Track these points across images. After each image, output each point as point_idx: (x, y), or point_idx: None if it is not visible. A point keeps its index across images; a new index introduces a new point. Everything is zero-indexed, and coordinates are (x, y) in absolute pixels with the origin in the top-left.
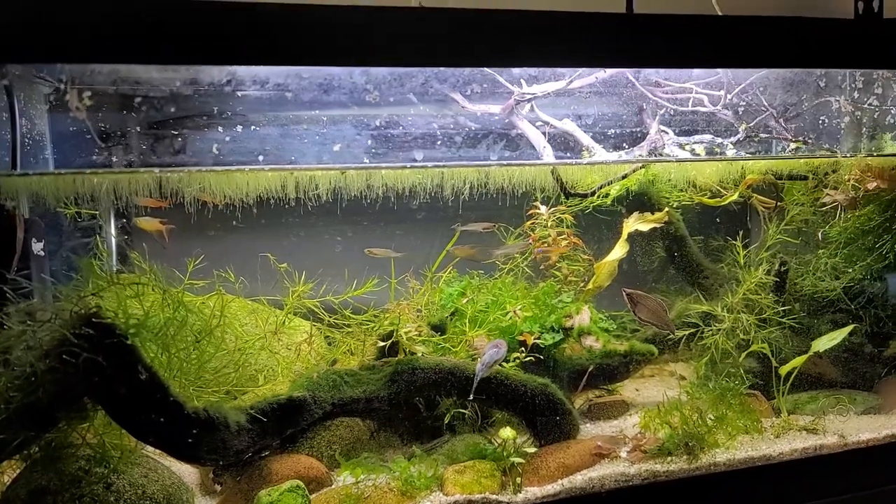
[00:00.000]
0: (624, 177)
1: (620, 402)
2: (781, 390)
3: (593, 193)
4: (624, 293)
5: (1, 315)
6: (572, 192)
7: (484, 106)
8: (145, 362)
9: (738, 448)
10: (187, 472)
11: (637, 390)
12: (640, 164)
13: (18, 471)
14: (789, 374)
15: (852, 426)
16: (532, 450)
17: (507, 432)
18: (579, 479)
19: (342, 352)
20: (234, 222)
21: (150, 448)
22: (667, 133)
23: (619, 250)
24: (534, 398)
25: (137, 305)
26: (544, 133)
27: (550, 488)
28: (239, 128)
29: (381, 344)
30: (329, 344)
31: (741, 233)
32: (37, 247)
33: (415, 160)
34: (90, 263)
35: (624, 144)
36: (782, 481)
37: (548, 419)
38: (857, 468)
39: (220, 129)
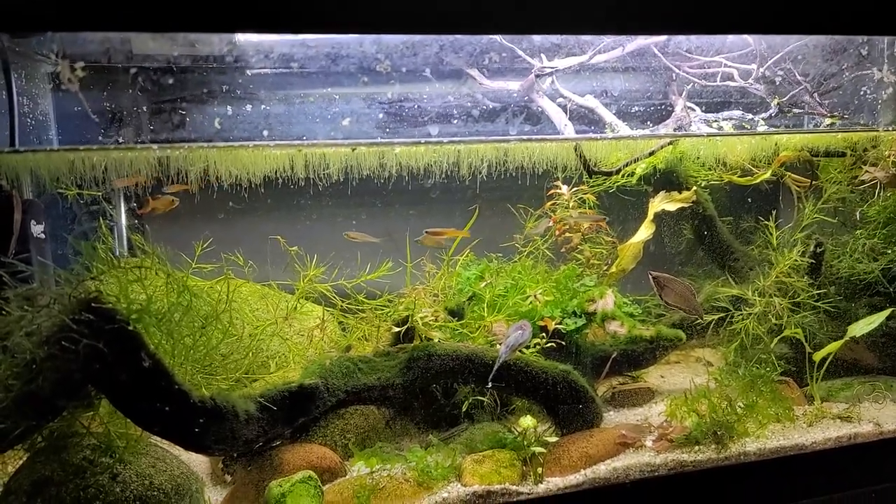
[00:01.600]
0: (651, 154)
1: (645, 389)
2: (815, 377)
3: (618, 171)
4: (650, 276)
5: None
6: (596, 170)
7: (502, 82)
8: (148, 349)
9: (769, 437)
10: (197, 462)
11: (662, 377)
12: (667, 141)
13: (22, 461)
14: (823, 360)
15: (888, 414)
16: (554, 439)
17: (527, 421)
18: (603, 469)
19: (356, 338)
20: (232, 203)
21: (157, 437)
22: (693, 110)
23: (645, 231)
24: (555, 385)
25: (141, 290)
26: (565, 109)
27: (573, 478)
28: (248, 106)
29: (396, 330)
30: (343, 330)
31: (774, 212)
32: (36, 229)
33: (429, 135)
34: (90, 246)
35: (648, 122)
36: (815, 471)
37: (570, 407)
38: (894, 457)
39: (226, 105)
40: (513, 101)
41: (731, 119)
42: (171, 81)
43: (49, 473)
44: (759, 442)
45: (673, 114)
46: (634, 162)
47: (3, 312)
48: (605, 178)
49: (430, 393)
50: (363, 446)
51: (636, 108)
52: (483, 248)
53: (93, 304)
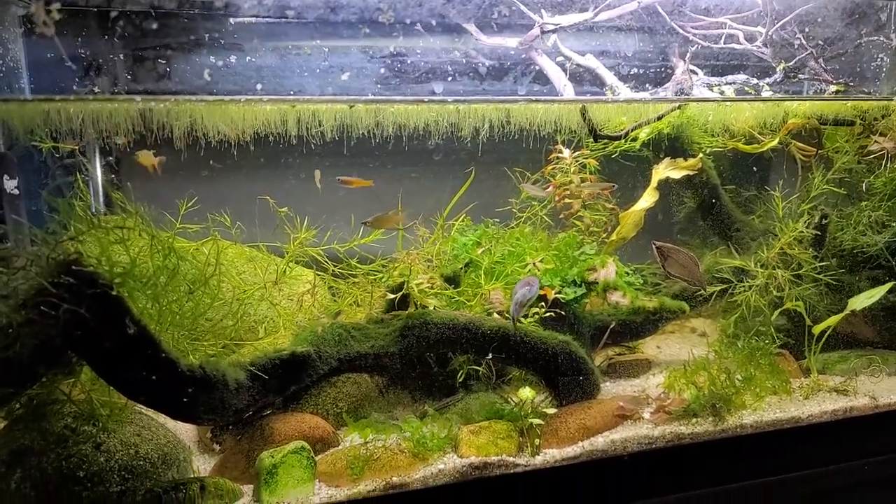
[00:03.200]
0: (659, 118)
1: (643, 360)
2: (814, 350)
3: (625, 136)
4: (654, 246)
5: None
6: (601, 133)
7: (500, 39)
8: (133, 315)
9: (765, 410)
10: (184, 430)
11: (659, 347)
12: (676, 105)
13: None
14: (822, 333)
15: (884, 387)
16: (552, 410)
17: (525, 392)
18: (601, 442)
19: (347, 303)
20: (213, 161)
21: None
22: (696, 73)
23: (648, 199)
24: (555, 356)
25: (123, 252)
26: (565, 70)
27: (570, 451)
28: (232, 57)
29: (391, 296)
30: (333, 295)
31: (780, 182)
32: (9, 184)
33: (433, 93)
34: (68, 204)
35: (647, 85)
36: (811, 444)
37: (569, 378)
38: (889, 430)
39: (214, 56)
40: (510, 59)
41: (734, 83)
42: (154, 27)
43: (29, 442)
44: (755, 414)
45: (673, 77)
46: (642, 126)
47: None
48: (607, 142)
49: (424, 362)
50: (356, 415)
51: (636, 70)
52: (479, 213)
53: (73, 267)
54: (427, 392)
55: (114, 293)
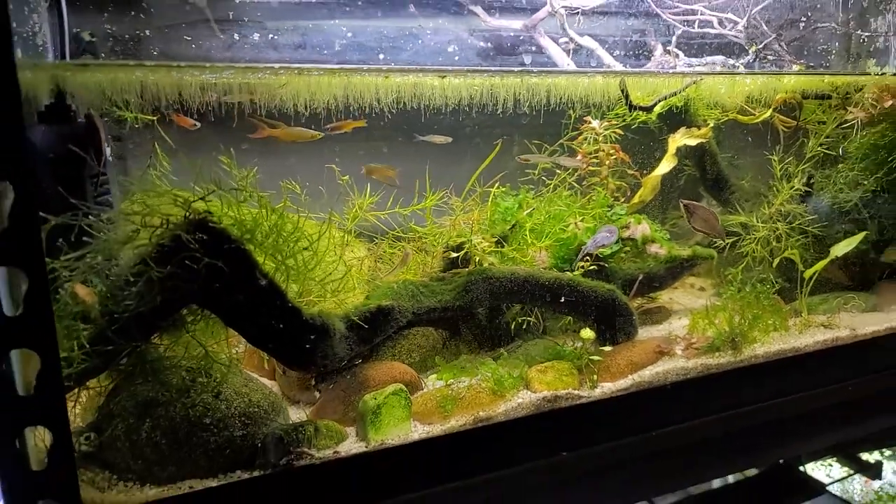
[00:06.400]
0: (679, 92)
1: (664, 308)
2: (804, 292)
3: (652, 108)
4: (682, 204)
5: (103, 222)
6: (636, 105)
7: (504, 21)
8: (261, 268)
9: (771, 343)
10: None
11: (671, 299)
12: (692, 80)
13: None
14: (811, 277)
15: (859, 321)
16: (609, 348)
17: (587, 333)
18: (647, 374)
19: (398, 267)
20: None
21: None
22: (678, 56)
23: (667, 165)
24: (608, 302)
25: (240, 213)
26: (568, 51)
27: (622, 383)
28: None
29: (454, 255)
30: (376, 261)
31: (778, 148)
32: (107, 151)
33: (522, 64)
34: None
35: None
36: (808, 368)
37: (621, 319)
38: (866, 355)
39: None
40: (509, 41)
41: (713, 64)
42: None
43: (154, 395)
44: (765, 346)
45: (652, 58)
46: (667, 98)
47: (96, 235)
48: (624, 115)
49: (487, 314)
50: (425, 365)
51: (620, 52)
52: (516, 179)
53: (209, 224)
54: (479, 343)
55: (244, 248)
